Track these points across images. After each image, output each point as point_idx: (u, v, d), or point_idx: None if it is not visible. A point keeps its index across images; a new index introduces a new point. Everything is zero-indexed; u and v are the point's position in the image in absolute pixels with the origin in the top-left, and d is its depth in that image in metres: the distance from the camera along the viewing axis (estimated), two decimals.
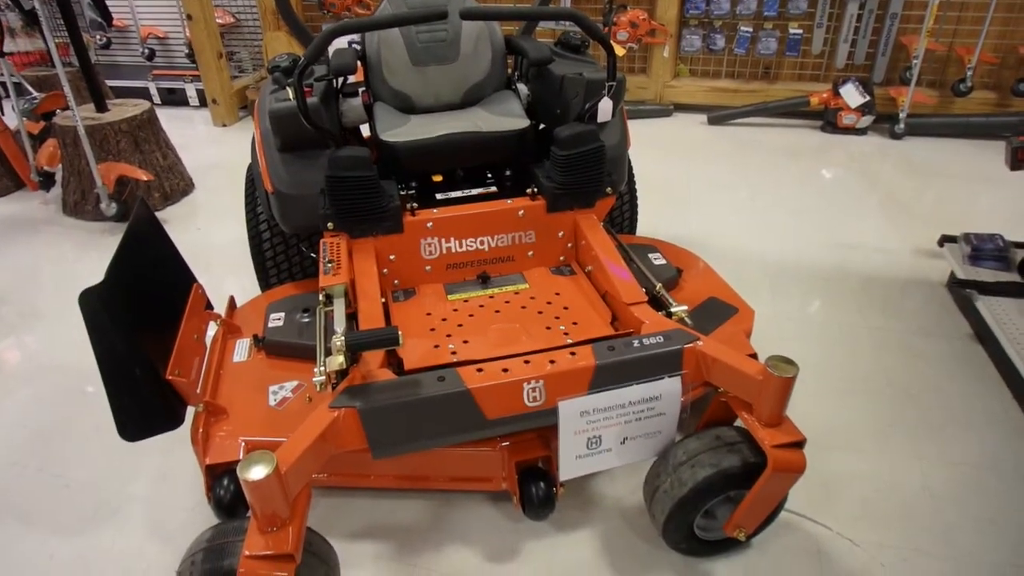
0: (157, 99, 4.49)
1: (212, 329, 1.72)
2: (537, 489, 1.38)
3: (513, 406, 1.28)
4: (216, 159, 3.73)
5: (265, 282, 2.01)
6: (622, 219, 2.19)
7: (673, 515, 1.34)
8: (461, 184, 1.80)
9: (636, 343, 1.35)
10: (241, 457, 1.35)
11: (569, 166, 1.68)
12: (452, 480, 1.50)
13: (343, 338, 1.21)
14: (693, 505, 1.33)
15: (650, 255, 1.91)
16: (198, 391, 1.47)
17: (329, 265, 1.50)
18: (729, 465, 1.29)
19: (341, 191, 1.58)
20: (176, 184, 3.14)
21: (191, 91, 4.42)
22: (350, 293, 1.49)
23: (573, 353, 1.33)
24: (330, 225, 1.62)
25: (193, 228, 2.95)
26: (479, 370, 1.28)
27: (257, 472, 1.04)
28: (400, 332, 1.21)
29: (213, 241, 2.84)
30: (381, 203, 1.61)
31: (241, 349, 1.70)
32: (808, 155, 3.65)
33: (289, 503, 1.11)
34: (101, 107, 2.95)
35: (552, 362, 1.30)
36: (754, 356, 1.55)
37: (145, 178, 2.80)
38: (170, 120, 4.17)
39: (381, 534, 1.53)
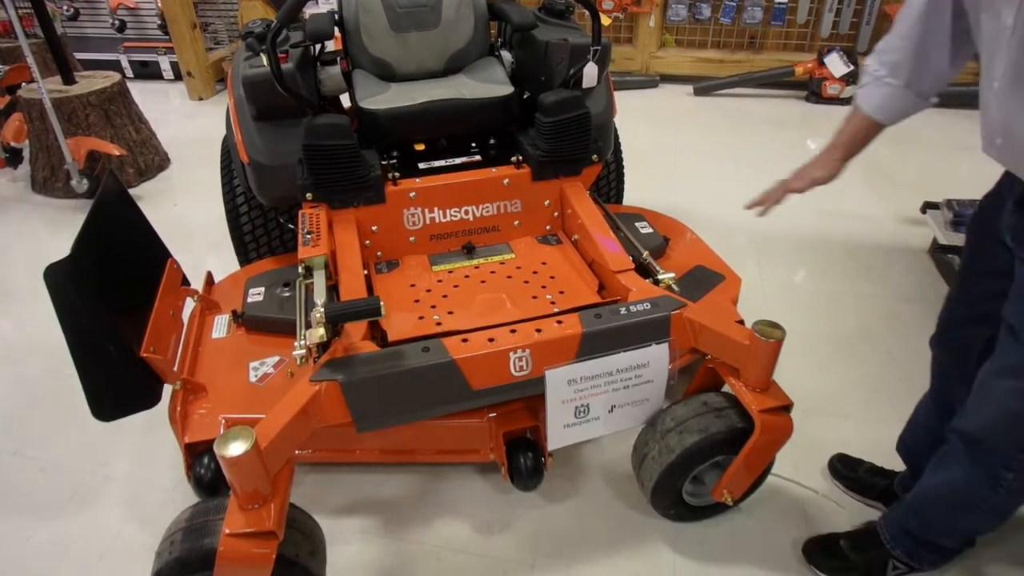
0: (130, 72, 4.34)
1: (190, 306, 1.68)
2: (525, 459, 1.37)
3: (499, 376, 1.26)
4: (193, 134, 3.62)
5: (244, 257, 1.96)
6: (608, 188, 2.16)
7: (661, 481, 1.34)
8: (444, 153, 1.75)
9: (623, 310, 1.33)
10: None
11: (554, 133, 1.63)
12: (439, 453, 1.48)
13: (323, 310, 1.17)
14: (681, 471, 1.33)
15: (637, 224, 1.89)
16: (175, 368, 1.43)
17: (308, 236, 1.45)
18: (717, 430, 1.29)
19: (319, 160, 1.53)
20: (151, 159, 3.04)
21: (165, 64, 4.27)
22: (330, 265, 1.45)
23: (560, 321, 1.31)
24: (309, 196, 1.57)
25: (169, 204, 2.87)
26: (464, 340, 1.26)
27: (235, 448, 1.01)
28: (382, 303, 1.18)
29: (191, 218, 2.76)
30: (362, 172, 1.56)
31: (220, 325, 1.66)
32: (793, 125, 3.63)
33: (270, 479, 1.08)
34: (68, 79, 2.84)
35: (538, 331, 1.28)
36: (741, 323, 1.54)
37: (117, 153, 2.70)
38: (144, 94, 4.02)
39: (368, 509, 1.51)
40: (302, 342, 1.25)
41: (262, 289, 1.68)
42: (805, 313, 2.13)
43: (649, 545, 1.42)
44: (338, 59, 1.89)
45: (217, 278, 1.85)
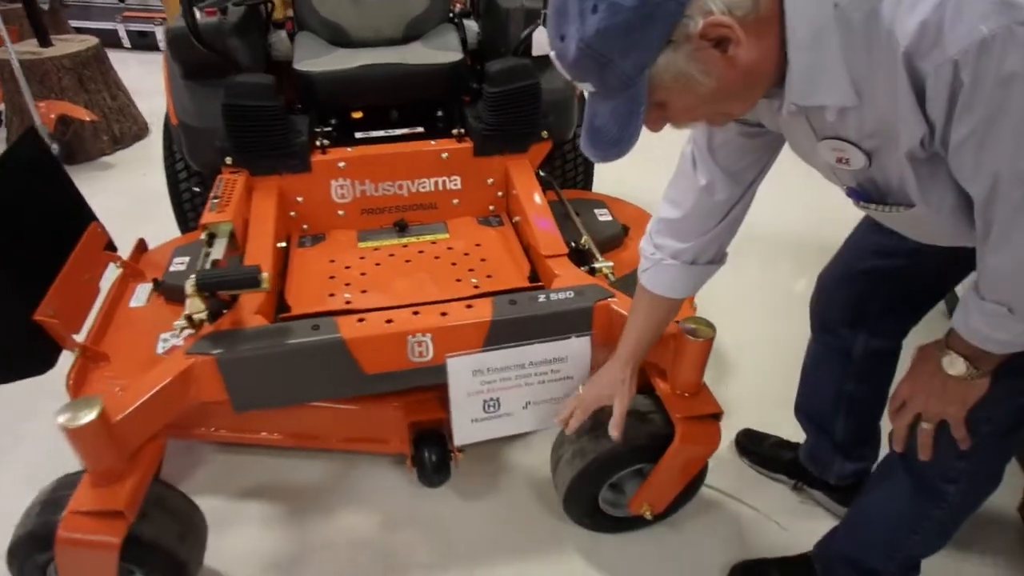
0: (127, 42, 4.32)
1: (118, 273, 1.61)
2: (430, 453, 1.26)
3: (396, 361, 1.15)
4: None
5: (184, 225, 1.89)
6: (576, 174, 2.03)
7: (574, 487, 1.22)
8: (385, 123, 1.65)
9: (542, 298, 1.21)
10: None
11: (499, 104, 1.52)
12: (347, 440, 1.39)
13: (194, 278, 1.07)
14: (596, 478, 1.21)
15: (596, 210, 1.76)
16: (78, 335, 1.36)
17: (215, 201, 1.36)
18: (636, 435, 1.17)
19: (239, 122, 1.44)
20: (128, 128, 3.00)
21: (161, 34, 4.24)
22: (238, 234, 1.36)
23: (470, 306, 1.19)
24: (228, 160, 1.48)
25: (139, 174, 2.82)
26: (360, 320, 1.15)
27: (78, 418, 0.93)
28: (264, 273, 1.08)
29: (159, 189, 2.69)
30: (286, 138, 1.47)
31: (141, 294, 1.58)
32: None
33: (125, 455, 1.00)
34: (44, 42, 2.80)
35: (444, 314, 1.17)
36: None
37: (88, 118, 2.66)
38: (139, 64, 4.00)
39: (274, 494, 1.42)
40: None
41: (187, 259, 1.60)
42: (784, 317, 1.97)
43: (563, 555, 1.30)
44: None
45: None
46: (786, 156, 1.00)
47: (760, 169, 0.96)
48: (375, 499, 1.41)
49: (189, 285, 1.08)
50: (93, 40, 2.89)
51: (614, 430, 1.11)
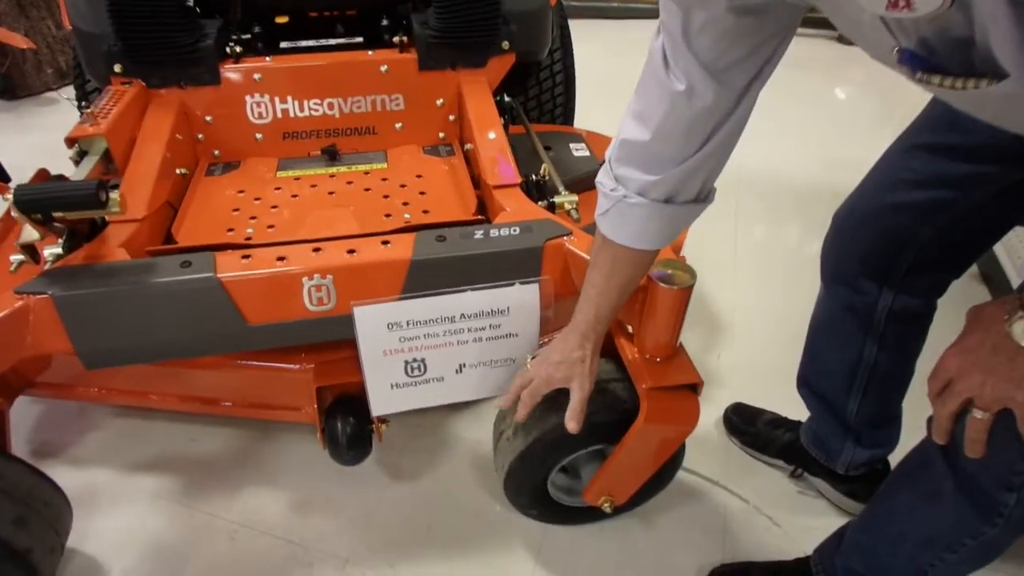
0: None
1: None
2: (344, 425, 1.04)
3: (288, 309, 0.91)
4: None
5: None
6: (553, 105, 1.75)
7: (515, 471, 0.99)
8: (318, 31, 1.38)
9: (479, 234, 0.96)
10: None
11: (449, 6, 1.24)
12: (251, 406, 1.16)
13: (12, 193, 0.83)
14: (540, 461, 0.98)
15: (571, 144, 1.49)
16: None
17: (89, 112, 1.12)
18: (595, 410, 0.92)
19: (128, 19, 1.18)
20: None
21: None
22: (119, 155, 1.11)
23: (386, 242, 0.95)
24: (117, 68, 1.23)
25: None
26: (245, 257, 0.91)
27: None
28: (114, 193, 0.84)
29: None
30: (185, 40, 1.21)
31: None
32: (820, 69, 3.10)
33: None
34: None
35: (352, 252, 0.93)
36: None
37: (24, 46, 2.38)
38: None
39: (172, 467, 1.21)
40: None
41: None
42: (785, 279, 1.72)
43: (507, 550, 1.08)
44: None
45: None
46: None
47: (757, 69, 0.66)
48: (288, 477, 1.19)
49: (11, 206, 0.84)
50: None
51: (571, 422, 0.87)
